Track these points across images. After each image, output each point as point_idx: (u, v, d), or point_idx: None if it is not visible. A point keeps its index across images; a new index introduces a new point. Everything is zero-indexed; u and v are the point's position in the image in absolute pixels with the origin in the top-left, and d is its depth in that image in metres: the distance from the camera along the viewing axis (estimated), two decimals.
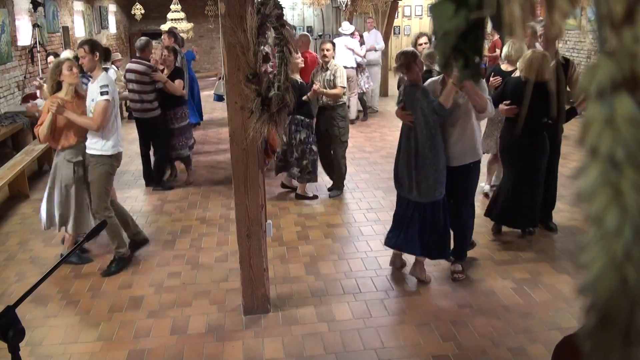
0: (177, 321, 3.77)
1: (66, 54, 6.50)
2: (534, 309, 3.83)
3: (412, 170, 3.93)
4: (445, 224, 4.06)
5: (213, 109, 11.16)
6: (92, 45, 4.38)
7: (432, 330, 3.60)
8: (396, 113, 4.13)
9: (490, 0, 0.68)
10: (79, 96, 4.51)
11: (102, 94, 4.25)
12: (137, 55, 6.47)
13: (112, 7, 15.63)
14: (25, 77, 9.02)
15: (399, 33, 16.83)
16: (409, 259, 4.36)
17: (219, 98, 9.47)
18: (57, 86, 4.43)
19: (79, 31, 12.53)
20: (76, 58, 4.77)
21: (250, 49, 3.21)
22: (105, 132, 4.35)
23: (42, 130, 4.30)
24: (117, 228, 4.58)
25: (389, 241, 4.26)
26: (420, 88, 3.93)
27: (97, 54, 4.37)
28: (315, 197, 6.12)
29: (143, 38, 6.51)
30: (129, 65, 6.38)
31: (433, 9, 0.76)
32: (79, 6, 12.61)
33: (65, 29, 11.47)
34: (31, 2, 9.16)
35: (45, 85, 5.84)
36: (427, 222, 4.00)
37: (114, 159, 4.46)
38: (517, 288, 4.11)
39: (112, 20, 15.62)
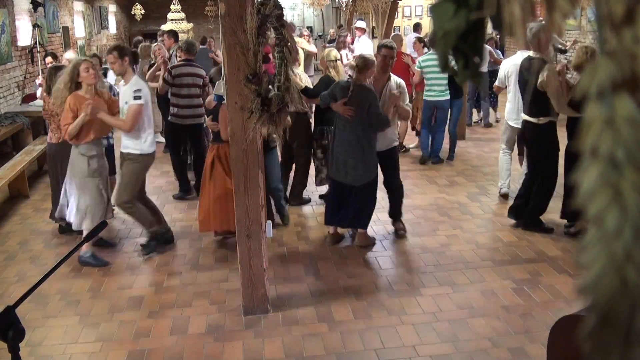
0: (177, 321, 3.77)
1: (69, 55, 6.49)
2: (534, 309, 3.83)
3: (348, 158, 4.57)
4: (372, 198, 4.82)
5: None
6: (120, 50, 4.57)
7: (432, 330, 3.60)
8: (334, 106, 4.60)
9: (490, 0, 0.68)
10: (98, 94, 4.61)
11: (135, 98, 4.44)
12: (184, 57, 6.18)
13: (112, 7, 15.64)
14: (25, 77, 9.03)
15: (399, 33, 16.82)
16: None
17: (219, 98, 9.47)
18: (74, 86, 4.51)
19: (79, 31, 12.54)
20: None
21: (250, 49, 3.21)
22: (142, 132, 4.57)
23: (72, 128, 4.38)
24: (141, 212, 4.72)
25: (331, 219, 4.89)
26: (371, 91, 4.56)
27: (127, 58, 4.58)
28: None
29: (189, 39, 6.39)
30: (182, 69, 6.08)
31: (433, 9, 0.76)
32: (79, 6, 12.61)
33: (65, 29, 11.47)
34: (31, 2, 9.16)
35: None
36: (359, 199, 4.71)
37: (150, 157, 4.70)
38: (517, 288, 4.11)
39: (112, 21, 15.63)
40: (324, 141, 5.62)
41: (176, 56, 6.96)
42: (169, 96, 6.29)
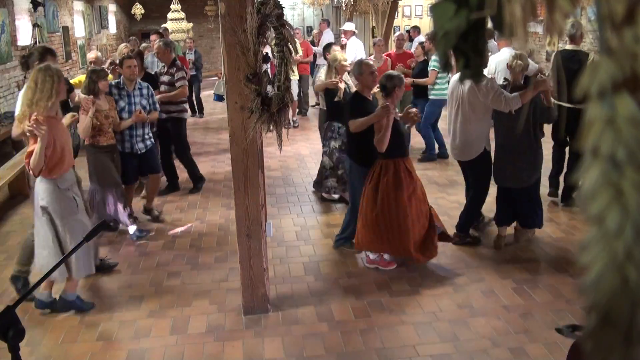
0: (177, 321, 3.77)
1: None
2: (534, 309, 3.83)
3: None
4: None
5: (213, 109, 11.16)
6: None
7: (432, 330, 3.59)
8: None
9: (490, 0, 0.68)
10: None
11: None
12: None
13: (112, 7, 15.62)
14: (25, 77, 9.01)
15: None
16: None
17: (219, 98, 9.48)
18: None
19: (79, 31, 12.53)
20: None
21: (250, 49, 3.20)
22: None
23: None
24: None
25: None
26: None
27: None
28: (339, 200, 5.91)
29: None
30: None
31: (434, 8, 0.76)
32: (79, 6, 12.60)
33: (65, 29, 11.46)
34: (31, 2, 9.16)
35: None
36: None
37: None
38: (517, 288, 4.11)
39: (112, 20, 15.61)
40: (334, 141, 5.61)
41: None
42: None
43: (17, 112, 4.07)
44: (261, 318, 3.77)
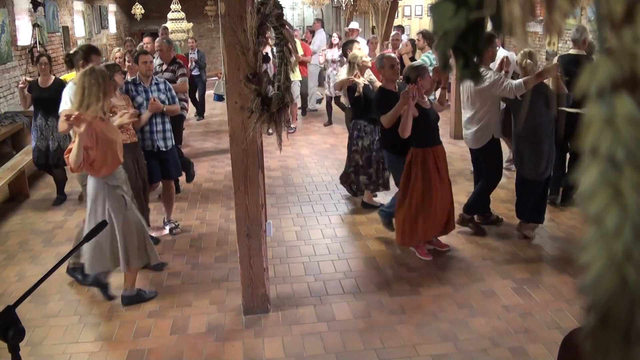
0: (177, 321, 3.77)
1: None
2: (534, 309, 3.83)
3: None
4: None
5: (213, 109, 11.16)
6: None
7: (432, 330, 3.59)
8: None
9: (490, 0, 0.68)
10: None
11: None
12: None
13: (112, 7, 15.63)
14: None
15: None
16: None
17: (219, 98, 9.48)
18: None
19: (79, 31, 12.53)
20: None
21: (250, 48, 3.20)
22: None
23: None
24: None
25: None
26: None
27: None
28: (381, 205, 5.56)
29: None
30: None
31: (433, 8, 0.76)
32: (79, 6, 12.61)
33: (65, 29, 11.47)
34: (31, 2, 9.16)
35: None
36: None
37: None
38: (517, 288, 4.11)
39: (112, 20, 15.61)
40: (362, 141, 5.58)
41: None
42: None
43: (63, 105, 4.38)
44: (261, 318, 3.77)
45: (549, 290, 4.06)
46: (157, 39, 7.01)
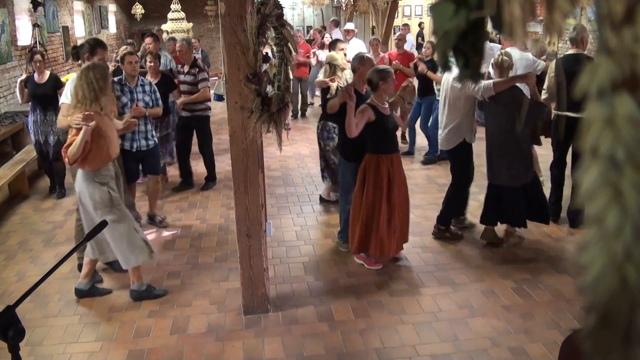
0: (177, 321, 3.77)
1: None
2: (534, 309, 3.83)
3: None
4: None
5: (213, 108, 11.13)
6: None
7: (432, 330, 3.59)
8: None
9: (490, 0, 0.68)
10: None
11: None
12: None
13: (112, 7, 15.63)
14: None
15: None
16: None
17: (219, 98, 9.47)
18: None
19: (79, 31, 12.54)
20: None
21: (250, 48, 3.20)
22: None
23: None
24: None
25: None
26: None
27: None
28: (336, 201, 5.67)
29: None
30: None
31: (433, 8, 0.76)
32: (79, 6, 12.61)
33: (65, 29, 11.47)
34: (31, 2, 9.16)
35: None
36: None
37: None
38: (517, 288, 4.11)
39: (112, 20, 15.61)
40: (332, 142, 5.56)
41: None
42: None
43: (63, 99, 4.39)
44: (261, 318, 3.77)
45: (549, 290, 4.06)
46: (177, 40, 7.09)
